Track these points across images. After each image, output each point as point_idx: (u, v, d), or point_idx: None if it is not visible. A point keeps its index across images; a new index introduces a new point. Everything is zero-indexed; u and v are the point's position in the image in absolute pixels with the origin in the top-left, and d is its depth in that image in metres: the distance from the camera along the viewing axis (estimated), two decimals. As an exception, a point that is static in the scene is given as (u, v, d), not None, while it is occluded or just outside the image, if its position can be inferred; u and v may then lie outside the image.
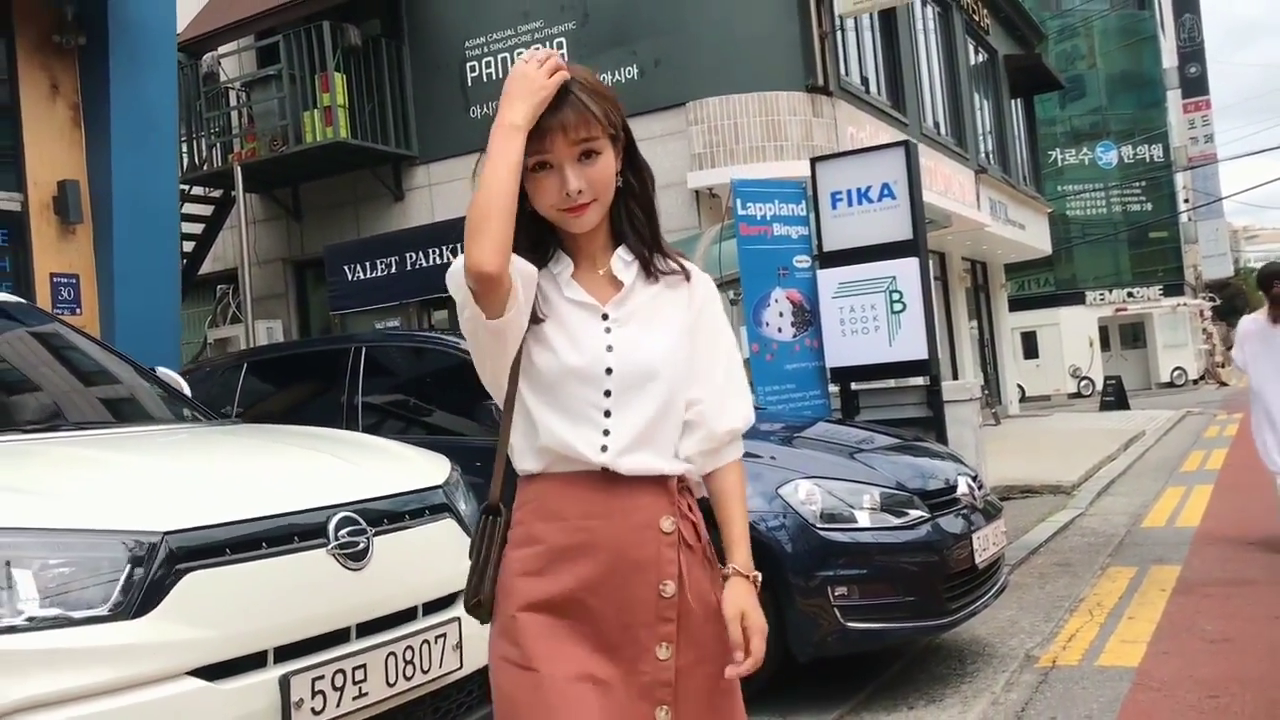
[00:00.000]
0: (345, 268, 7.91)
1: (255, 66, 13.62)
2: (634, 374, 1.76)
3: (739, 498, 1.87)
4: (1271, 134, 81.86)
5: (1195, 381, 31.79)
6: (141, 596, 2.20)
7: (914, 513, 4.30)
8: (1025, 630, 5.26)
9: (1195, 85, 35.82)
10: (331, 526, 2.57)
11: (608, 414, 1.75)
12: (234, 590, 2.34)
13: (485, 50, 13.06)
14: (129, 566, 2.22)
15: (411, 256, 7.61)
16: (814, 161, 7.54)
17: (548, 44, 12.51)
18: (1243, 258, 72.68)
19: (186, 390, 3.99)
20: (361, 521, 2.63)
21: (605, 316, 1.80)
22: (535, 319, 1.76)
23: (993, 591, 4.67)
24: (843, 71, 12.48)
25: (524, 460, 1.80)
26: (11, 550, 2.14)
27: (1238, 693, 4.11)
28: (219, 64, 13.46)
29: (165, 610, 2.22)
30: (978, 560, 4.41)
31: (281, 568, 2.43)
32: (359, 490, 2.74)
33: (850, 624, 4.10)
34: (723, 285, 8.37)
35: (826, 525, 4.16)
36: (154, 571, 2.23)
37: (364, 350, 5.39)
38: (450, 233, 7.89)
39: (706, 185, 11.57)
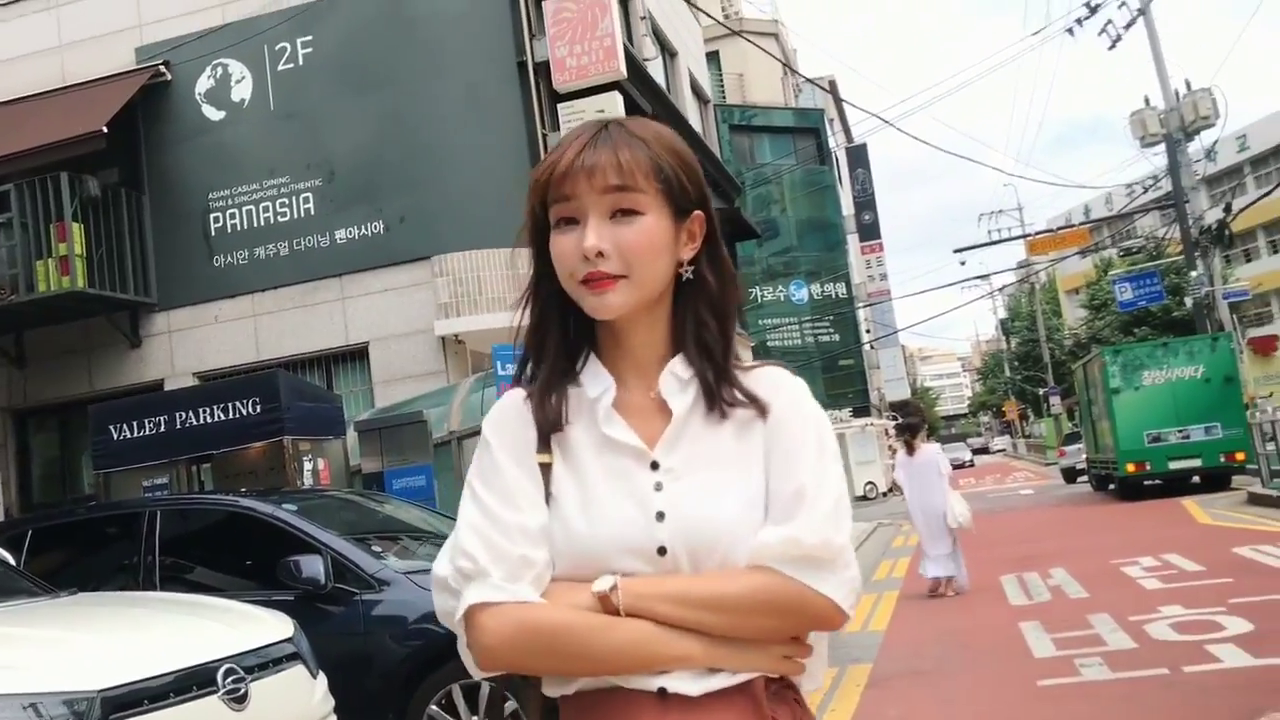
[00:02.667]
0: (111, 427, 8.10)
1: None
2: (696, 550, 1.30)
3: None
4: (936, 275, 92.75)
5: (885, 494, 35.09)
6: (85, 743, 2.77)
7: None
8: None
9: (869, 230, 40.46)
10: (220, 676, 3.19)
11: None
12: (154, 733, 2.93)
13: (230, 202, 13.48)
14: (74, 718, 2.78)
15: (181, 415, 7.94)
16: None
17: (294, 199, 13.13)
18: (919, 378, 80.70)
19: (11, 561, 4.38)
20: (241, 671, 3.27)
21: (655, 466, 1.33)
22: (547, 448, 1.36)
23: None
24: (573, 229, 13.79)
25: (551, 680, 1.34)
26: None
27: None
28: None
29: (104, 753, 2.79)
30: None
31: (186, 713, 3.04)
32: (234, 645, 3.37)
33: None
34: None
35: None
36: (94, 721, 2.80)
37: (158, 514, 5.79)
38: (224, 392, 8.30)
39: (453, 333, 12.41)
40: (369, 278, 12.87)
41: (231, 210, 13.49)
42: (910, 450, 10.36)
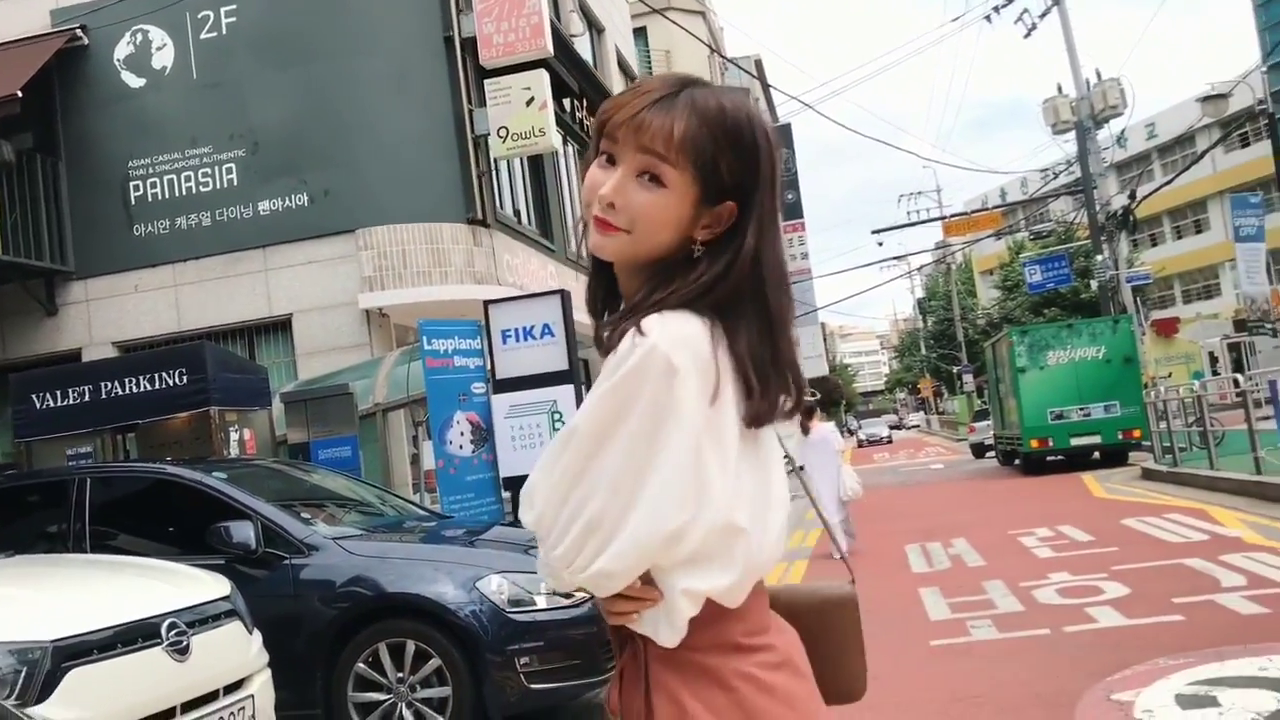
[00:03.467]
0: (34, 396, 8.11)
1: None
2: None
3: None
4: (853, 245, 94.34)
5: (800, 469, 35.87)
6: (40, 688, 2.97)
7: (579, 594, 5.54)
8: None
9: (791, 210, 41.08)
10: (164, 629, 3.40)
11: None
12: (101, 681, 3.14)
13: (150, 171, 13.37)
14: (26, 667, 2.98)
15: (106, 385, 7.99)
16: (487, 304, 8.80)
17: (217, 170, 13.09)
18: (838, 355, 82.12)
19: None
20: (183, 625, 3.49)
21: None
22: None
23: (639, 653, 5.98)
24: (498, 205, 13.95)
25: None
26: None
27: None
28: None
29: (57, 698, 2.99)
30: (628, 629, 5.71)
31: (132, 663, 3.26)
32: (176, 601, 3.59)
33: (534, 685, 5.24)
34: (409, 404, 9.40)
35: (514, 609, 5.31)
36: (47, 669, 3.00)
37: (87, 481, 5.91)
38: (150, 362, 8.36)
39: (377, 306, 12.51)
40: (293, 250, 12.90)
41: (152, 179, 13.39)
42: (805, 430, 11.13)
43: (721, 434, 1.36)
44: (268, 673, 4.05)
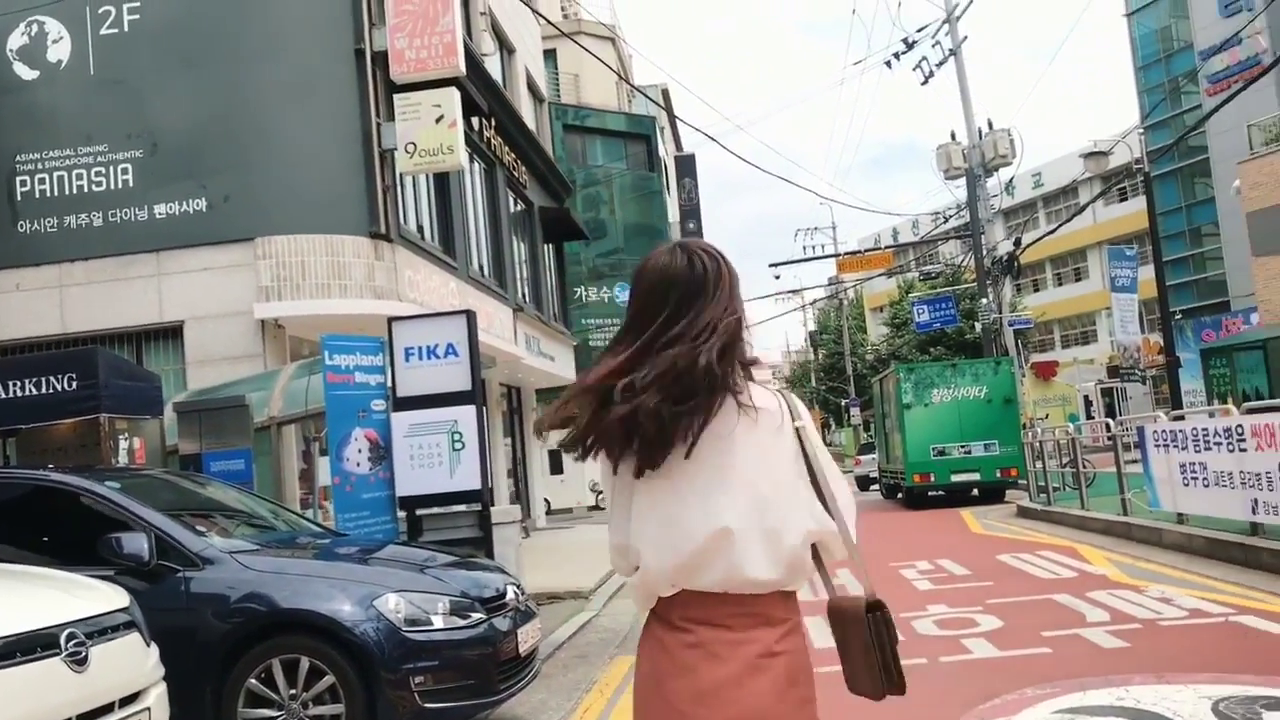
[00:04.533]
0: (-91, 396, 7.81)
1: None
2: None
3: None
4: (753, 286, 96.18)
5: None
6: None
7: (475, 615, 5.59)
8: (552, 708, 6.65)
9: (693, 237, 41.60)
10: (62, 639, 3.37)
11: None
12: (3, 689, 3.10)
13: (39, 167, 12.97)
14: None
15: (-13, 387, 7.73)
16: (391, 321, 8.78)
17: (111, 169, 12.77)
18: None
19: None
20: (82, 635, 3.45)
21: None
22: None
23: (531, 675, 6.06)
24: (402, 220, 13.87)
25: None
26: None
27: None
28: None
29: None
30: (521, 650, 5.79)
31: (29, 672, 3.22)
32: (75, 612, 3.55)
33: (427, 705, 5.27)
34: (304, 419, 9.30)
35: (410, 628, 5.33)
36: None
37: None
38: (37, 365, 8.09)
39: (273, 317, 12.32)
40: (188, 255, 12.62)
41: (41, 175, 12.96)
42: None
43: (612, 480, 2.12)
44: (164, 685, 4.02)
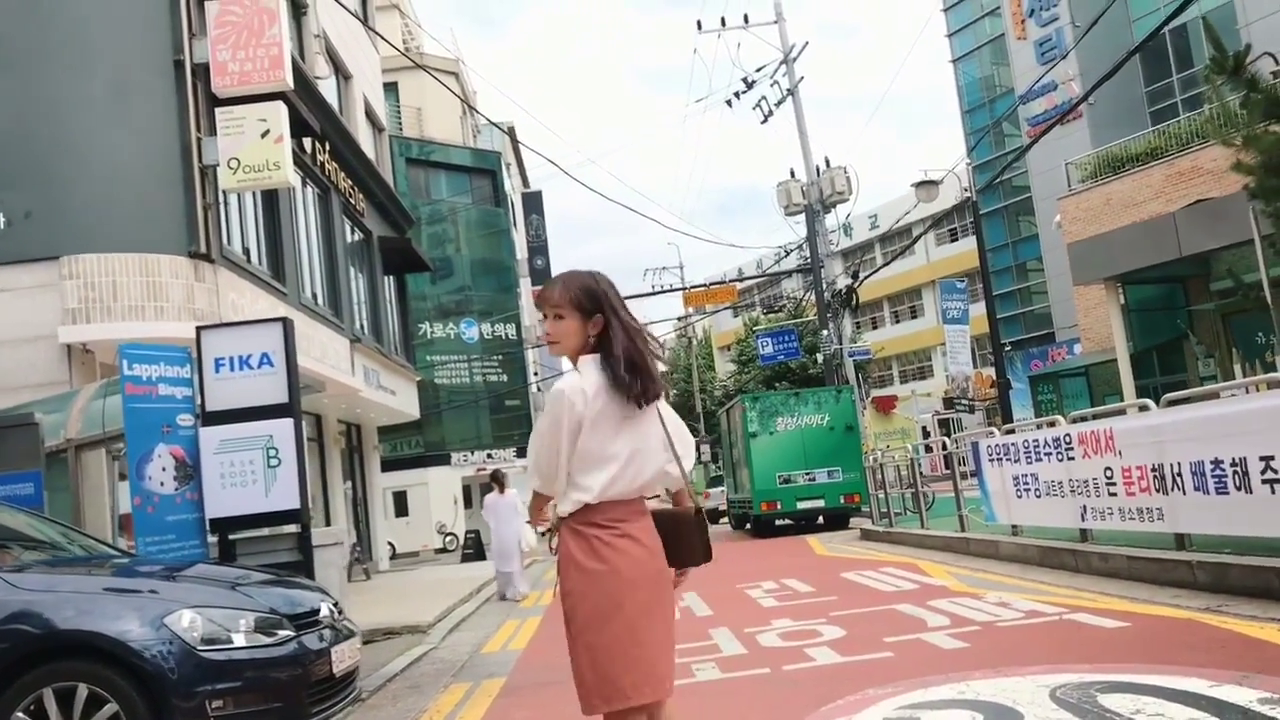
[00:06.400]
0: None
1: None
2: None
3: None
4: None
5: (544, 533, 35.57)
6: None
7: (283, 633, 5.10)
8: (377, 738, 6.20)
9: (541, 275, 41.36)
10: None
11: None
12: None
13: None
14: None
15: None
16: (199, 329, 8.17)
17: (-103, 181, 11.70)
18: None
19: None
20: None
21: None
22: None
23: (348, 698, 5.57)
24: (225, 241, 13.14)
25: None
26: None
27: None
28: None
29: None
30: (336, 670, 5.31)
31: None
32: None
33: (226, 732, 4.75)
34: (106, 441, 8.53)
35: (207, 648, 4.81)
36: None
37: None
38: None
39: (80, 341, 11.45)
40: (-16, 275, 11.65)
41: None
42: (501, 490, 14.62)
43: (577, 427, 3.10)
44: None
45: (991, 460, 12.07)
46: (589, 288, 3.10)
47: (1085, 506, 9.72)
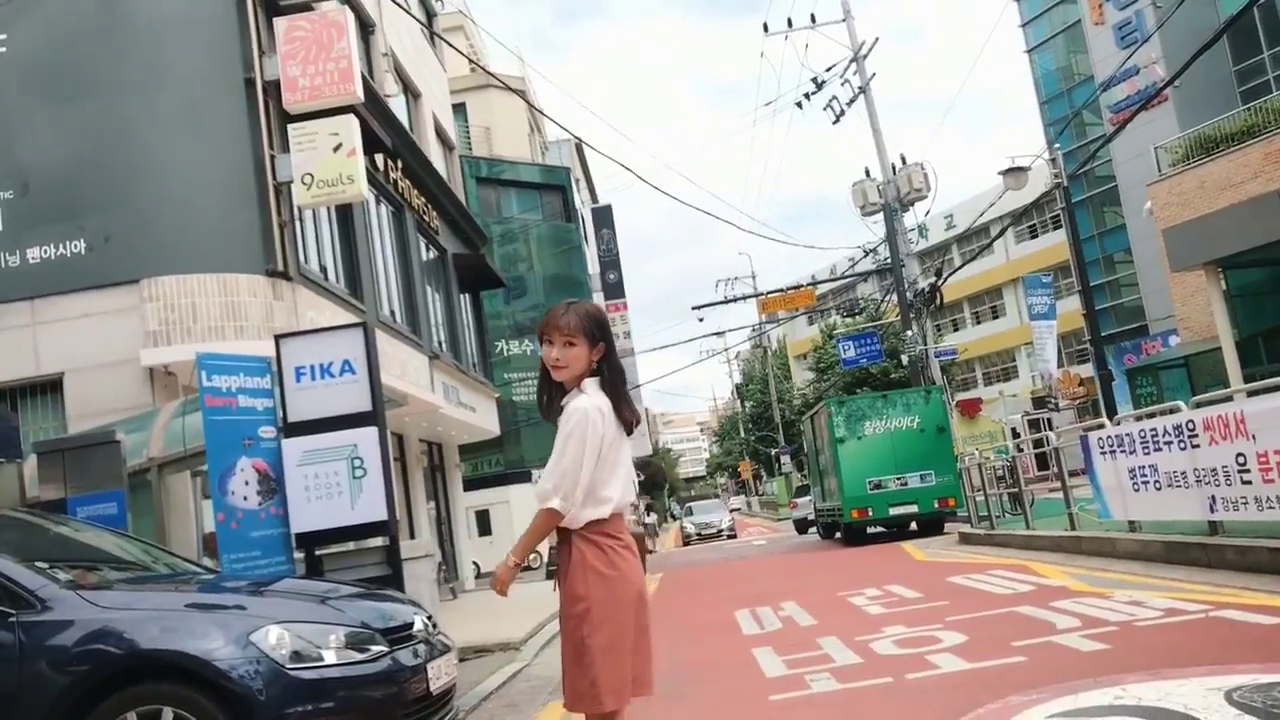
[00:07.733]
0: None
1: None
2: None
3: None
4: (675, 330, 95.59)
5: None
6: None
7: (376, 648, 4.77)
8: (477, 759, 5.85)
9: (614, 289, 41.21)
10: None
11: None
12: None
13: (-100, 212, 11.90)
14: None
15: None
16: (278, 338, 7.96)
17: (-20, 211, 11.77)
18: (660, 439, 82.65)
19: None
20: None
21: None
22: None
23: (447, 718, 5.22)
24: (302, 258, 13.02)
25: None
26: None
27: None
28: None
29: None
30: (433, 688, 4.96)
31: None
32: None
33: (319, 757, 4.42)
34: (187, 459, 8.35)
35: (296, 665, 4.49)
36: None
37: None
38: None
39: (162, 363, 11.37)
40: (66, 302, 11.63)
41: (-98, 222, 11.90)
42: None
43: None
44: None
45: (1103, 453, 11.40)
46: (597, 317, 3.42)
47: (1214, 497, 9.04)
